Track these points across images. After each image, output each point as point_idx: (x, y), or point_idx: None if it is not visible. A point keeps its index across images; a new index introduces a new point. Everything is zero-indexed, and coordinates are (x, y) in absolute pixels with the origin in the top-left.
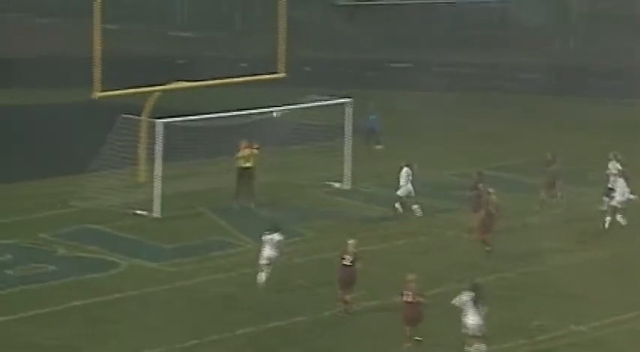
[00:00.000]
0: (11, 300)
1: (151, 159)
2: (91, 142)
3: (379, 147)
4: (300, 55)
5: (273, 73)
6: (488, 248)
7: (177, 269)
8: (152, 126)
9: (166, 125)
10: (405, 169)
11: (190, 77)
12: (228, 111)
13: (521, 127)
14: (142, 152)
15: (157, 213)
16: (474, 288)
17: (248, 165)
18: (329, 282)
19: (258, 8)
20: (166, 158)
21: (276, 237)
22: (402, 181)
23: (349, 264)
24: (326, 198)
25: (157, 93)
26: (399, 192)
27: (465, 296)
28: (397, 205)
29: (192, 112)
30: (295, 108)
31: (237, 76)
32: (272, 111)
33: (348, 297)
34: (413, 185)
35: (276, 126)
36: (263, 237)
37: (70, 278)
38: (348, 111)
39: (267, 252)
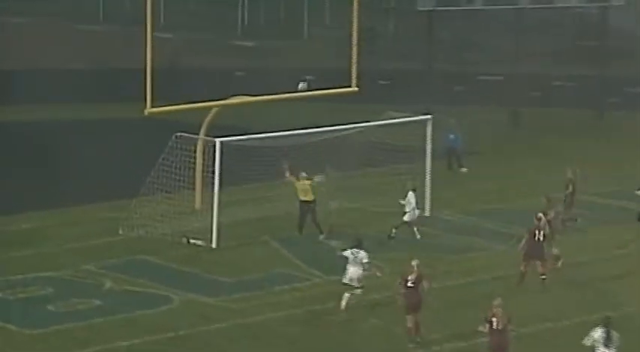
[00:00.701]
0: (52, 339)
1: (207, 183)
2: (141, 163)
3: (464, 170)
4: (374, 66)
5: (345, 86)
6: (543, 276)
7: (237, 305)
8: (209, 146)
9: (225, 144)
10: (411, 193)
11: (251, 91)
12: (292, 129)
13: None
14: (199, 174)
15: (214, 242)
16: (606, 324)
17: (306, 198)
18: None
19: (328, 14)
20: (224, 181)
21: (361, 254)
22: (409, 207)
23: (412, 285)
24: (403, 226)
25: (214, 109)
26: (405, 218)
27: (597, 333)
28: (415, 231)
29: (250, 130)
30: (369, 126)
31: (303, 90)
32: (300, 87)
33: (414, 323)
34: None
35: (347, 146)
36: (345, 254)
37: (118, 315)
38: (429, 129)
39: (352, 271)
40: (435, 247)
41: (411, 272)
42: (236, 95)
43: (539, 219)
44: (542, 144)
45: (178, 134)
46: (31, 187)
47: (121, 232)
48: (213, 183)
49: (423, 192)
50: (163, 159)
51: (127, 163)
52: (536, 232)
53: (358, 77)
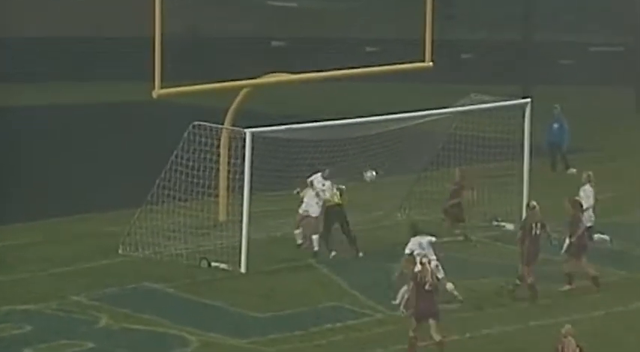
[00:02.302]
0: None
1: (234, 187)
2: (148, 162)
3: (572, 171)
4: (454, 35)
5: (416, 61)
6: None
7: (272, 348)
8: (236, 139)
9: (258, 137)
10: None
11: (291, 67)
12: (346, 117)
13: None
14: (223, 176)
15: (243, 266)
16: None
17: (337, 201)
18: None
19: None
20: (256, 185)
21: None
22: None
23: (429, 288)
24: (490, 244)
25: (244, 91)
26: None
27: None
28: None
29: (290, 119)
30: (447, 113)
31: (363, 66)
32: (368, 177)
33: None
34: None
35: (417, 139)
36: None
37: None
38: (527, 117)
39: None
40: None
41: (427, 273)
42: (273, 72)
43: (533, 208)
44: None
45: (196, 123)
46: (3, 193)
47: (120, 252)
48: (242, 188)
49: (520, 200)
50: (177, 156)
51: (129, 162)
52: (533, 226)
53: (433, 49)
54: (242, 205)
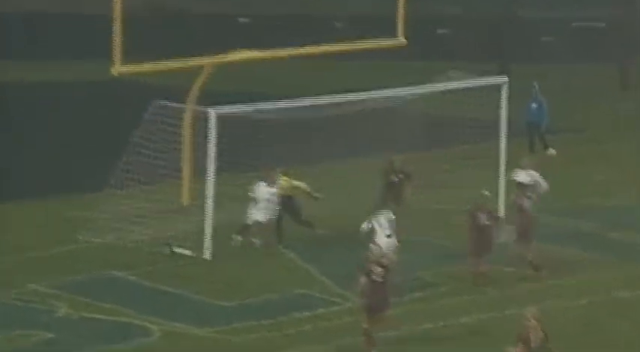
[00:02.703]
0: None
1: (198, 170)
2: (108, 143)
3: (551, 151)
4: (429, 11)
5: (389, 37)
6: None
7: (238, 338)
8: (201, 119)
9: (223, 117)
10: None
11: (258, 44)
12: (315, 96)
13: None
14: (187, 158)
15: (208, 252)
16: None
17: (284, 193)
18: None
19: None
20: (222, 168)
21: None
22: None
23: (381, 279)
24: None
25: (208, 69)
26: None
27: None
28: None
29: (257, 98)
30: (421, 92)
31: (331, 43)
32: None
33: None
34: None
35: (391, 120)
36: (375, 221)
37: None
38: (504, 96)
39: (384, 240)
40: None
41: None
42: (238, 49)
43: (482, 197)
44: None
45: (159, 102)
46: None
47: (81, 238)
48: (206, 171)
49: (496, 184)
50: (139, 137)
51: (88, 143)
52: (480, 215)
53: (406, 25)
54: (206, 189)
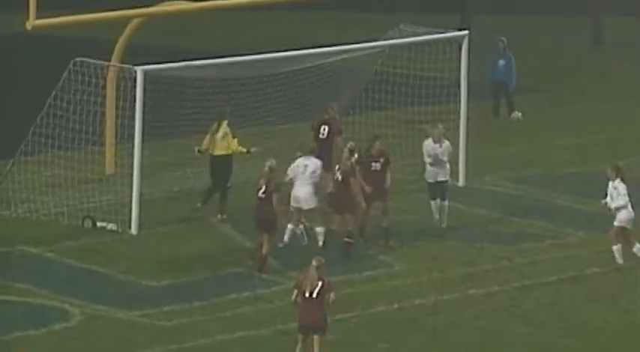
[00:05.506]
0: None
1: (123, 134)
2: (21, 104)
3: (516, 115)
4: None
5: None
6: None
7: (169, 322)
8: (125, 78)
9: (150, 76)
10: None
11: None
12: (253, 53)
13: None
14: (110, 122)
15: (134, 226)
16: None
17: (222, 152)
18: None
19: None
20: (149, 132)
21: (312, 163)
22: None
23: (314, 296)
24: (420, 200)
25: (135, 22)
26: None
27: None
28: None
29: (189, 54)
30: (371, 48)
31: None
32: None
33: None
34: None
35: (338, 80)
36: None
37: None
38: (464, 52)
39: (301, 191)
40: (473, 234)
41: (312, 278)
42: (168, 0)
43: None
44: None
45: (78, 59)
46: None
47: None
48: (132, 136)
49: (456, 150)
50: (55, 97)
51: None
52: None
53: None
54: (133, 156)
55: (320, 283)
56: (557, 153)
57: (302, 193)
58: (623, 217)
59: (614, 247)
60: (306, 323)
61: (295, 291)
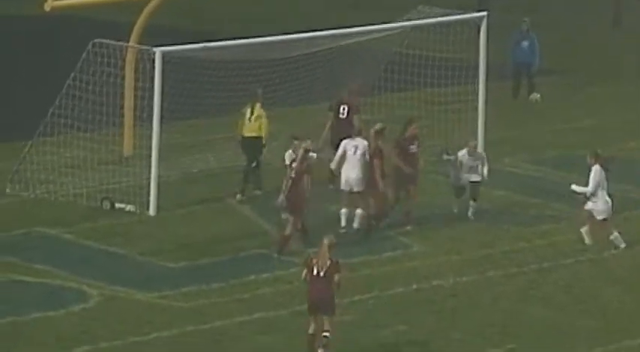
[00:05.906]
0: None
1: (142, 116)
2: (40, 86)
3: (535, 96)
4: None
5: None
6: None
7: (187, 304)
8: (144, 60)
9: (169, 56)
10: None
11: None
12: (274, 34)
13: None
14: (129, 103)
15: (152, 208)
16: None
17: (253, 134)
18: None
19: None
20: (168, 115)
21: (362, 144)
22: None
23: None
24: (438, 181)
25: (153, 2)
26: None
27: None
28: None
29: (209, 36)
30: (391, 29)
31: None
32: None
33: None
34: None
35: (356, 61)
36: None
37: (4, 320)
38: (483, 33)
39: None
40: (491, 216)
41: (324, 257)
42: None
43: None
44: None
45: (97, 41)
46: None
47: (9, 191)
48: (151, 117)
49: (475, 132)
50: (74, 79)
51: (17, 85)
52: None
53: None
54: (151, 137)
55: (329, 262)
56: (576, 134)
57: (354, 175)
58: (600, 208)
59: (583, 229)
60: (314, 302)
61: (305, 270)
